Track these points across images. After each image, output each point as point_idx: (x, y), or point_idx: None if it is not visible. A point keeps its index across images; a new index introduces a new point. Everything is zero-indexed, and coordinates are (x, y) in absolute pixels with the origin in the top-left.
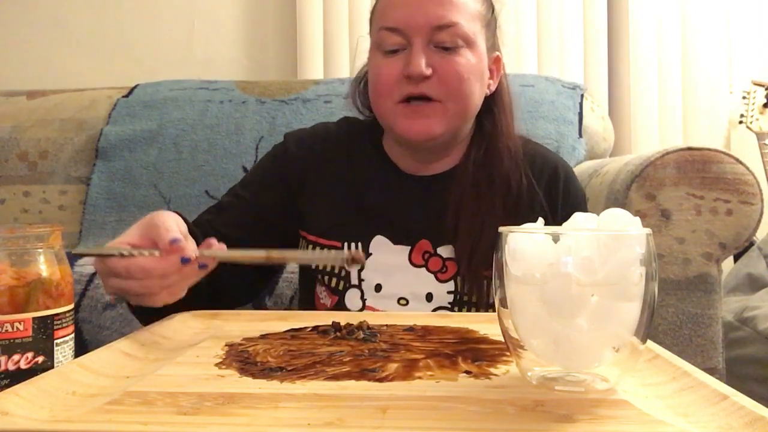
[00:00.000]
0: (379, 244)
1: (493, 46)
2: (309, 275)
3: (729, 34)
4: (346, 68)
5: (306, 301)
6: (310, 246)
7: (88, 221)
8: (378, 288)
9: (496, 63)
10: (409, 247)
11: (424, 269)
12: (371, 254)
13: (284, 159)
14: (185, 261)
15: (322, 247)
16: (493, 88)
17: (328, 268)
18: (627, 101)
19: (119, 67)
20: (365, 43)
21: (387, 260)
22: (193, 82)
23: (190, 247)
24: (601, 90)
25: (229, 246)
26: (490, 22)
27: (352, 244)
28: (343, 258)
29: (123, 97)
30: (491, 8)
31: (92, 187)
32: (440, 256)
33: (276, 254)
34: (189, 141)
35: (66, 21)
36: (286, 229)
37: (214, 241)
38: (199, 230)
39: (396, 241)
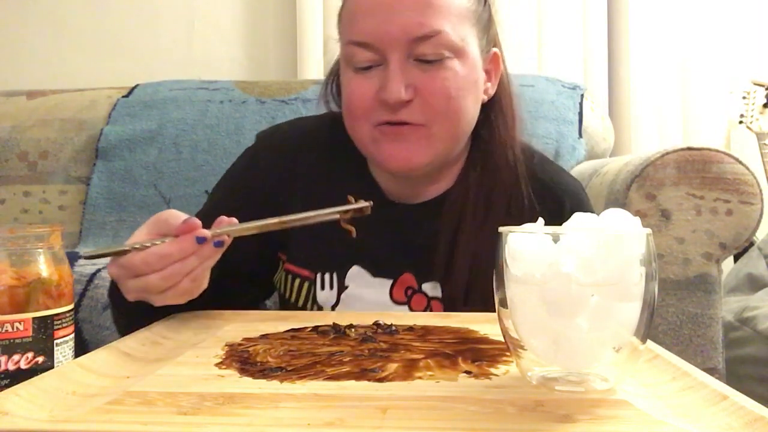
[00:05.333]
0: (357, 275)
1: (488, 43)
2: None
3: (728, 35)
4: (321, 64)
5: None
6: (284, 273)
7: (88, 221)
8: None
9: (493, 61)
10: (391, 281)
11: (406, 308)
12: (347, 287)
13: (253, 173)
14: (201, 240)
15: (294, 276)
16: (491, 92)
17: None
18: (627, 101)
19: (119, 67)
20: (335, 44)
21: (365, 295)
22: (193, 82)
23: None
24: (601, 90)
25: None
26: (482, 17)
27: (326, 274)
28: (348, 212)
29: (123, 97)
30: (483, 0)
31: (92, 187)
32: (425, 294)
33: (288, 218)
34: (189, 141)
35: (66, 21)
36: (263, 250)
37: (224, 218)
38: None
39: (376, 274)
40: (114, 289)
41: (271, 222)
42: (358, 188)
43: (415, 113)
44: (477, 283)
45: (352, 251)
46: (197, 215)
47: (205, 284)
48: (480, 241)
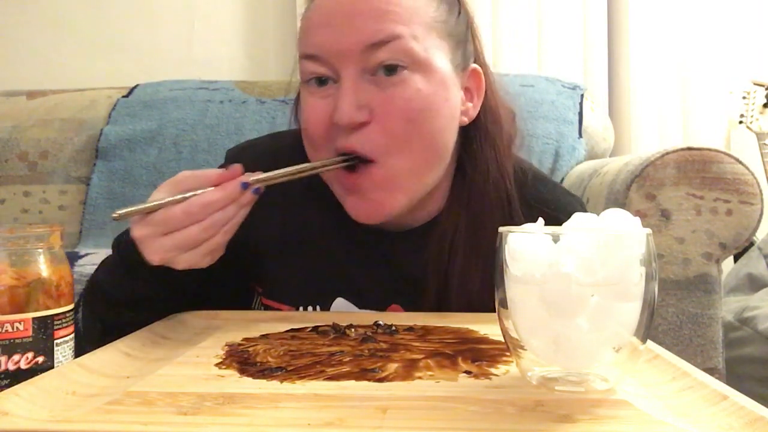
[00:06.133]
0: (341, 308)
1: (466, 59)
2: None
3: (728, 34)
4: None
5: None
6: (262, 308)
7: (88, 221)
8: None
9: (474, 78)
10: (378, 313)
11: None
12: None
13: None
14: (245, 185)
15: (273, 310)
16: (473, 114)
17: None
18: (627, 101)
19: (119, 67)
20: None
21: None
22: (193, 82)
23: None
24: (601, 90)
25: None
26: (455, 30)
27: (309, 308)
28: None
29: (123, 97)
30: (456, 8)
31: (92, 187)
32: None
33: (306, 166)
34: (189, 141)
35: (66, 21)
36: (233, 280)
37: (239, 167)
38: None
39: (361, 306)
40: (90, 289)
41: (304, 167)
42: (337, 215)
43: (372, 140)
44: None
45: (335, 283)
46: None
47: (223, 249)
48: (472, 274)
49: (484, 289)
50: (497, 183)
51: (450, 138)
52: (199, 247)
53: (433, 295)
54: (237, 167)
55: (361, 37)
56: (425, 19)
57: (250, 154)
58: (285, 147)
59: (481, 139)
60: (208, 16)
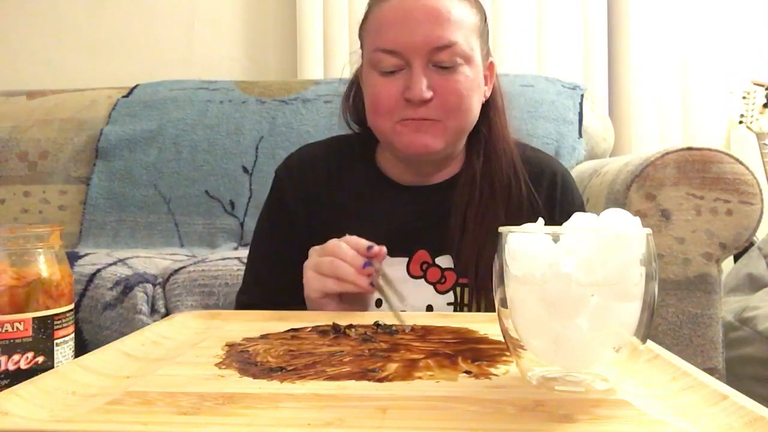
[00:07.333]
0: None
1: (487, 53)
2: None
3: (728, 35)
4: (345, 68)
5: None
6: None
7: (88, 221)
8: (378, 303)
9: (490, 68)
10: (407, 258)
11: (422, 280)
12: None
13: (281, 203)
14: (366, 264)
15: None
16: (488, 95)
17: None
18: (627, 101)
19: (119, 67)
20: (338, 49)
21: (385, 273)
22: (193, 82)
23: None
24: (601, 90)
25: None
26: (483, 30)
27: None
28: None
29: (123, 97)
30: (484, 16)
31: (92, 187)
32: (439, 267)
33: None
34: (189, 141)
35: (66, 21)
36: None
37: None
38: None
39: (393, 254)
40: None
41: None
42: (368, 180)
43: (433, 111)
44: (486, 254)
45: (370, 239)
46: (253, 255)
47: (332, 297)
48: (487, 218)
49: (493, 233)
50: (504, 144)
51: (479, 111)
52: (322, 278)
53: (456, 235)
54: (379, 251)
55: (427, 39)
56: (469, 25)
57: (292, 162)
58: (319, 148)
59: (492, 111)
60: (208, 16)
